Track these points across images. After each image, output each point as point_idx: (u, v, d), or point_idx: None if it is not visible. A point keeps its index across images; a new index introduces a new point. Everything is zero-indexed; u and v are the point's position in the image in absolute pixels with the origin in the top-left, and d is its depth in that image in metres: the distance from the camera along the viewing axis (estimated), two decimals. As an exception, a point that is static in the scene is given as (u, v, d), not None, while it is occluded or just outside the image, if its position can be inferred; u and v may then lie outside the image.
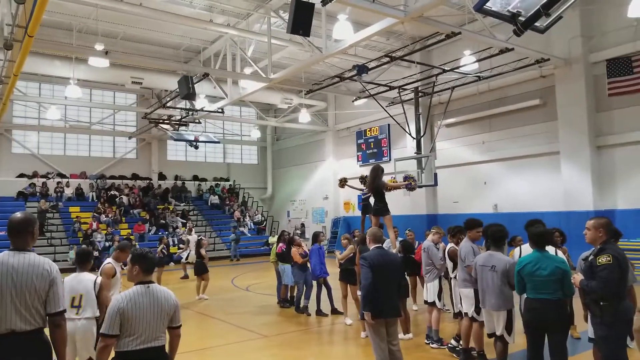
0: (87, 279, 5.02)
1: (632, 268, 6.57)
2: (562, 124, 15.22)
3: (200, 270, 12.32)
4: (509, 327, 5.53)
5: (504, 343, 5.62)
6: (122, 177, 25.87)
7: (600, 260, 4.25)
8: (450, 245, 6.91)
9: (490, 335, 5.79)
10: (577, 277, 4.53)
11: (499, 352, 5.67)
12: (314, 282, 9.95)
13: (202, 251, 12.49)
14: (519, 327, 5.33)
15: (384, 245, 5.74)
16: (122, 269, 5.99)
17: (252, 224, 26.33)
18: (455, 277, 6.77)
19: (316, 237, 10.18)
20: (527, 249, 5.50)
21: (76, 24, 16.03)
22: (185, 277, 16.06)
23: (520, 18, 7.48)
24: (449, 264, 7.15)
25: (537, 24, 7.66)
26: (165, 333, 3.61)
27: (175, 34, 18.01)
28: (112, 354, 3.48)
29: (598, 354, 4.87)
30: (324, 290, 9.83)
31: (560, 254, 5.64)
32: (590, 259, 4.48)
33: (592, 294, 4.36)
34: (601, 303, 4.28)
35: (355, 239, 9.11)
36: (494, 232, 5.78)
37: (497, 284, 5.49)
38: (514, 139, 16.95)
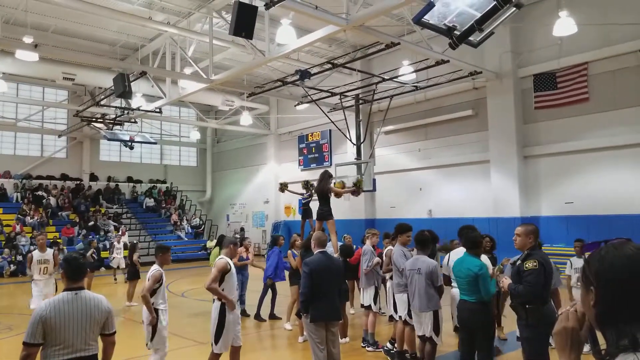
0: (149, 270, 5.69)
1: (557, 272, 7.03)
2: (492, 134, 16.02)
3: (133, 275, 11.95)
4: (436, 328, 5.74)
5: (432, 344, 5.83)
6: (50, 178, 24.43)
7: (527, 266, 4.47)
8: (388, 247, 7.11)
9: (420, 337, 5.98)
10: (506, 281, 4.77)
11: (427, 353, 5.88)
12: (262, 285, 9.81)
13: (135, 256, 12.10)
14: (448, 328, 5.54)
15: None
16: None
17: (189, 227, 25.70)
18: (390, 279, 6.95)
19: (276, 240, 10.08)
20: (457, 253, 5.78)
21: (3, 13, 15.04)
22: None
23: (455, 32, 7.84)
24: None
25: (471, 38, 8.07)
26: (98, 342, 3.46)
27: (111, 29, 17.30)
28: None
29: None
30: (268, 295, 9.71)
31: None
32: (517, 264, 4.71)
33: (518, 297, 4.60)
34: (527, 306, 4.52)
35: (297, 243, 9.08)
36: (417, 235, 6.06)
37: (423, 285, 5.70)
38: (448, 147, 17.64)
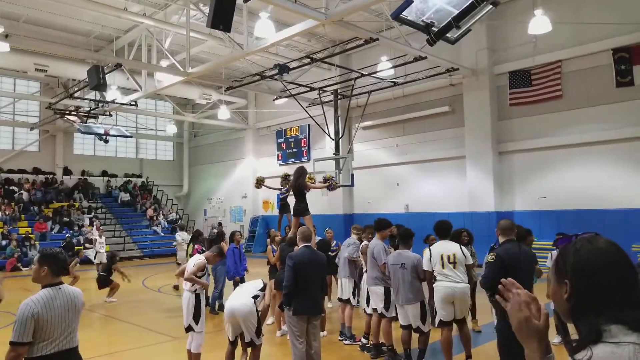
0: (193, 258, 6.05)
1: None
2: (468, 130, 16.24)
3: (104, 284, 11.65)
4: (423, 317, 5.88)
5: (422, 333, 5.97)
6: (22, 171, 23.86)
7: (486, 258, 4.66)
8: (364, 242, 7.18)
9: (404, 327, 6.10)
10: None
11: (421, 342, 6.02)
12: (231, 282, 9.76)
13: (117, 266, 11.90)
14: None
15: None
16: None
17: (165, 222, 25.43)
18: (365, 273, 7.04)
19: (232, 236, 9.91)
20: (436, 247, 5.93)
21: (-30, 2, 14.59)
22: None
23: (433, 28, 7.91)
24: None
25: (448, 35, 8.15)
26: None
27: (85, 20, 16.91)
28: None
29: None
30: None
31: (465, 251, 6.09)
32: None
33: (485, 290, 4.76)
34: (491, 298, 4.66)
35: (277, 238, 9.06)
36: (402, 232, 6.15)
37: (408, 279, 5.84)
38: (425, 143, 17.81)
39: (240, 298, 5.50)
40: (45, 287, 3.38)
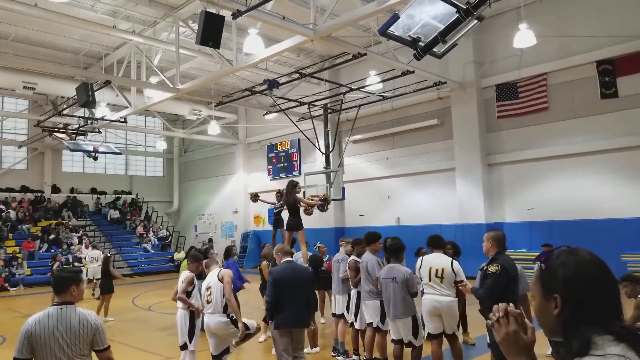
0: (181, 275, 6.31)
1: (524, 277, 7.30)
2: (457, 142, 16.37)
3: (108, 289, 11.56)
4: (415, 331, 5.85)
5: (415, 347, 5.94)
6: (9, 190, 23.60)
7: (489, 269, 4.61)
8: (351, 259, 7.16)
9: (395, 342, 6.06)
10: (468, 286, 4.88)
11: (414, 356, 5.97)
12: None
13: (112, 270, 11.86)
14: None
15: (295, 258, 6.00)
16: None
17: (156, 239, 25.20)
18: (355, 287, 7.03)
19: (229, 252, 9.88)
20: (428, 258, 6.07)
21: (-42, 21, 14.55)
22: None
23: (420, 43, 8.01)
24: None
25: (435, 49, 8.25)
26: (90, 357, 3.45)
27: (74, 37, 16.90)
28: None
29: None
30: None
31: (457, 267, 6.16)
32: (484, 268, 4.84)
33: (480, 301, 4.72)
34: (486, 312, 4.63)
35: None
36: (391, 245, 6.14)
37: (399, 293, 5.80)
38: (415, 156, 17.92)
39: (213, 316, 5.66)
40: (51, 306, 3.43)
